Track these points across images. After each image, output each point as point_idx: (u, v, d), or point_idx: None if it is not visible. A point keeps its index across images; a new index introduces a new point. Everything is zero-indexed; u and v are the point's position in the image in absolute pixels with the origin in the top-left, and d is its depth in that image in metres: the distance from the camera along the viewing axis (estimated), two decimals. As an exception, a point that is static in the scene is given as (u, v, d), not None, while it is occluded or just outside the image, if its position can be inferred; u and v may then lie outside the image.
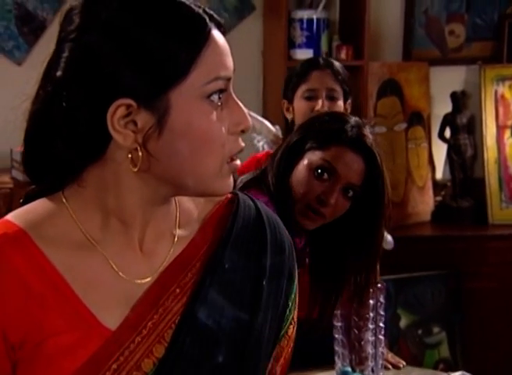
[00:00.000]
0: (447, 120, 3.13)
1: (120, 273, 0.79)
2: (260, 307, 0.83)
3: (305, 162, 1.42)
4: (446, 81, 3.18)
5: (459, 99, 3.12)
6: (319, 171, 1.40)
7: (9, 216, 0.79)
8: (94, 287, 0.78)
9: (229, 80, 0.76)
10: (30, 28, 2.75)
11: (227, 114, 0.77)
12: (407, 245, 2.79)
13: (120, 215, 0.79)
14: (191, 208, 0.85)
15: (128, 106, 0.73)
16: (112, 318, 0.77)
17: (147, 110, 0.73)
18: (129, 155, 0.75)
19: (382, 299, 1.58)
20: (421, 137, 3.11)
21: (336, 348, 1.60)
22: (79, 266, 0.77)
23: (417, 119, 3.10)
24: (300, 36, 2.84)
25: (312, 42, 2.84)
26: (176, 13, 0.73)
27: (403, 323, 2.89)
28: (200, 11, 0.75)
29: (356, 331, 1.58)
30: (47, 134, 0.76)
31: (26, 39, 2.76)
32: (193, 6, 0.75)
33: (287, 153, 1.44)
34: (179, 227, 0.83)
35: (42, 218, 0.78)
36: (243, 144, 0.79)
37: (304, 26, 2.84)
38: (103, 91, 0.73)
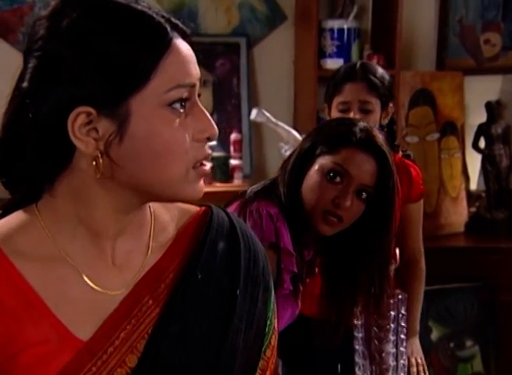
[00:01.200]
0: (482, 130, 3.08)
1: (92, 285, 0.79)
2: (233, 316, 0.83)
3: (316, 167, 1.41)
4: (480, 91, 3.13)
5: (494, 109, 3.08)
6: (331, 175, 1.39)
7: None
8: (66, 299, 0.78)
9: (193, 87, 0.77)
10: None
11: (192, 121, 0.77)
12: (439, 256, 2.75)
13: (91, 225, 0.79)
14: (166, 220, 0.86)
15: (88, 114, 0.74)
16: (84, 329, 0.78)
17: (107, 117, 0.74)
18: (94, 163, 0.75)
19: (403, 311, 1.57)
20: (455, 147, 3.07)
21: (357, 360, 1.59)
22: (51, 279, 0.78)
23: (451, 129, 3.06)
24: (330, 45, 2.83)
25: (343, 52, 2.84)
26: (135, 22, 0.74)
27: (434, 335, 2.85)
28: (162, 20, 0.76)
29: (376, 342, 1.57)
30: (17, 145, 0.77)
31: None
32: (154, 15, 0.75)
33: (298, 161, 1.43)
34: (153, 239, 0.84)
35: (15, 231, 0.79)
36: (209, 151, 0.79)
37: (335, 35, 2.84)
38: (64, 99, 0.74)
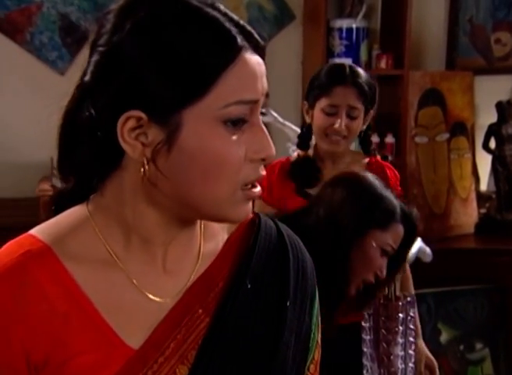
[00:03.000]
0: (492, 131, 3.05)
1: (143, 292, 0.77)
2: (284, 329, 0.81)
3: (373, 243, 1.48)
4: (491, 91, 3.10)
5: (505, 109, 3.04)
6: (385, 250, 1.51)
7: (34, 231, 0.78)
8: (116, 305, 0.76)
9: (256, 103, 0.73)
10: (73, 39, 2.81)
11: (249, 139, 0.73)
12: (448, 258, 2.73)
13: (140, 232, 0.77)
14: (216, 227, 0.84)
15: (138, 119, 0.71)
16: (134, 337, 0.76)
17: (157, 125, 0.71)
18: (141, 169, 0.73)
19: (411, 313, 1.54)
20: (465, 148, 3.04)
21: (365, 362, 1.57)
22: (102, 284, 0.76)
23: (461, 129, 3.03)
24: (339, 45, 2.82)
25: (351, 51, 2.82)
26: (204, 29, 0.71)
27: (443, 337, 2.83)
28: (234, 30, 0.71)
29: (385, 345, 1.54)
30: (74, 136, 0.76)
31: (69, 49, 2.82)
32: (226, 24, 0.71)
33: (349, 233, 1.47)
34: (203, 247, 0.82)
35: (66, 232, 0.77)
36: (262, 173, 0.75)
37: (344, 35, 2.82)
38: (117, 100, 0.72)
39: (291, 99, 2.98)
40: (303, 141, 1.99)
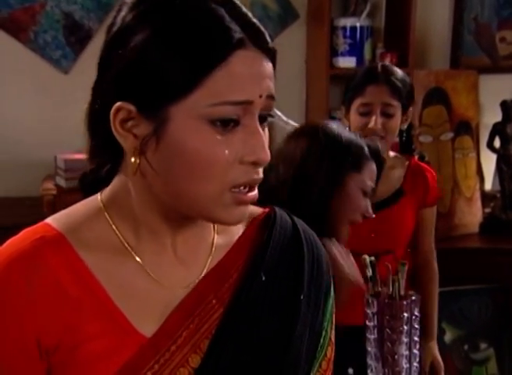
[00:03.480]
0: (497, 130, 3.04)
1: (157, 280, 0.78)
2: (297, 322, 0.81)
3: (353, 187, 1.50)
4: (496, 89, 3.09)
5: (509, 108, 3.03)
6: (365, 190, 1.52)
7: (49, 219, 0.79)
8: (129, 293, 0.77)
9: (249, 104, 0.71)
10: (77, 37, 2.81)
11: (241, 141, 0.72)
12: (453, 257, 2.71)
13: (147, 223, 0.78)
14: None
15: (129, 111, 0.72)
16: (147, 325, 0.76)
17: (145, 118, 0.72)
18: (132, 159, 0.74)
19: (416, 312, 1.53)
20: (469, 147, 3.03)
21: (369, 362, 1.56)
22: (115, 272, 0.77)
23: (465, 128, 3.02)
24: (342, 44, 2.81)
25: (355, 50, 2.81)
26: (199, 24, 0.70)
27: (447, 337, 2.81)
28: (233, 28, 0.70)
29: (389, 344, 1.53)
30: (94, 129, 0.78)
31: (73, 48, 2.82)
32: (223, 22, 0.70)
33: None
34: (217, 238, 0.82)
35: (80, 222, 0.78)
36: (255, 177, 0.73)
37: (347, 33, 2.81)
38: (110, 91, 0.73)
39: (295, 98, 2.97)
40: None
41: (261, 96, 0.71)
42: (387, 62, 2.83)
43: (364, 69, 1.98)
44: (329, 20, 2.76)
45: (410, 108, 1.91)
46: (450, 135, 2.99)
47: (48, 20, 2.80)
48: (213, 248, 0.82)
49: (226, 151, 0.71)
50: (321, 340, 0.85)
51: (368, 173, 1.52)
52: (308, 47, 2.97)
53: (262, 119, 0.74)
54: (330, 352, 0.87)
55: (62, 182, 2.51)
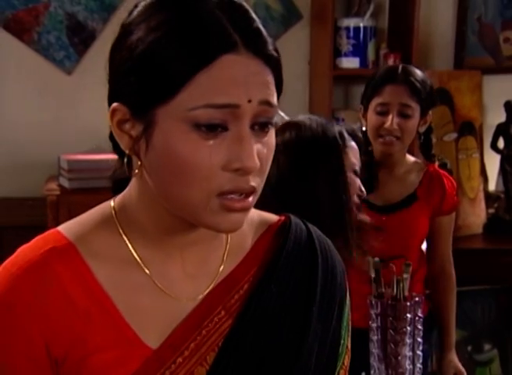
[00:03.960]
0: (500, 130, 3.03)
1: (165, 292, 0.77)
2: (308, 333, 0.79)
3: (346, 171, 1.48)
4: (499, 90, 3.08)
5: (513, 108, 3.02)
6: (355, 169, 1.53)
7: (61, 228, 0.79)
8: (137, 305, 0.76)
9: (235, 108, 0.69)
10: (80, 38, 2.81)
11: (227, 147, 0.70)
12: (456, 258, 2.69)
13: (154, 232, 0.77)
14: (244, 229, 0.81)
15: (124, 112, 0.73)
16: (153, 337, 0.76)
17: (137, 120, 0.72)
18: (125, 160, 0.75)
19: (419, 313, 1.53)
20: (473, 148, 3.02)
21: (373, 363, 1.56)
22: (123, 283, 0.77)
23: (469, 129, 3.01)
24: (346, 44, 2.81)
25: (359, 50, 2.81)
26: (189, 25, 0.69)
27: (451, 338, 2.81)
28: (227, 31, 0.68)
29: (392, 346, 1.53)
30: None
31: (76, 49, 2.82)
32: (216, 25, 0.69)
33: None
34: (228, 249, 0.81)
35: (91, 230, 0.78)
36: (244, 185, 0.71)
37: (351, 34, 2.81)
38: (111, 91, 0.74)
39: (298, 98, 2.97)
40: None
41: (250, 101, 0.69)
42: (390, 62, 2.84)
43: (384, 68, 1.97)
44: (333, 21, 2.76)
45: (430, 112, 1.89)
46: (454, 136, 2.98)
47: (51, 21, 2.80)
48: (224, 259, 0.81)
49: (210, 157, 0.69)
50: (340, 349, 0.84)
51: (353, 153, 1.51)
52: (312, 47, 2.96)
53: (262, 126, 0.72)
54: (347, 360, 0.87)
55: (65, 183, 2.51)
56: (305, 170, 1.46)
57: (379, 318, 1.52)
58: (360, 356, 1.71)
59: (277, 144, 1.49)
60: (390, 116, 1.82)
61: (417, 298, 1.53)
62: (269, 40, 0.72)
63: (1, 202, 2.78)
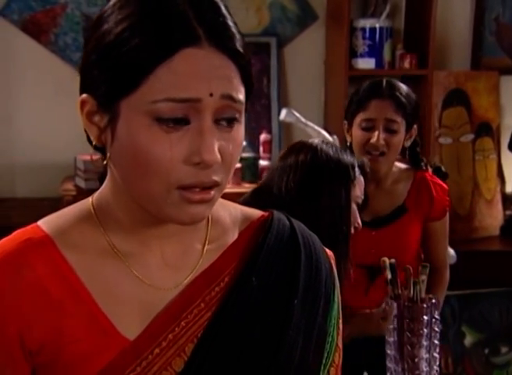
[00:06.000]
0: (518, 131, 3.01)
1: (143, 283, 0.77)
2: (289, 327, 0.79)
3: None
4: (517, 90, 3.07)
5: (531, 109, 3.00)
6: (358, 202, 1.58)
7: (40, 222, 0.80)
8: (114, 295, 0.76)
9: (196, 102, 0.69)
10: (97, 39, 2.82)
11: (189, 141, 0.70)
12: (473, 260, 2.69)
13: (130, 224, 0.77)
14: (227, 223, 0.83)
15: (92, 104, 0.73)
16: (131, 328, 0.76)
17: (102, 112, 0.72)
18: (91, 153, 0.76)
19: (436, 315, 1.52)
20: (490, 149, 3.00)
21: (389, 365, 1.55)
22: (101, 274, 0.76)
23: (486, 129, 2.99)
24: (362, 45, 2.79)
25: (375, 51, 2.80)
26: (153, 18, 0.69)
27: (468, 341, 2.79)
28: (189, 25, 0.68)
29: (409, 348, 1.52)
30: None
31: (93, 50, 2.83)
32: (177, 19, 0.69)
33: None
34: (209, 241, 0.81)
35: (70, 224, 0.78)
36: (205, 179, 0.71)
37: (367, 34, 2.79)
38: (82, 83, 0.74)
39: (314, 99, 2.97)
40: None
41: (211, 95, 0.69)
42: (406, 63, 2.82)
43: (368, 83, 1.91)
44: (349, 21, 2.75)
45: (415, 126, 1.86)
46: (471, 137, 2.96)
47: (68, 22, 2.82)
48: (204, 252, 0.80)
49: (171, 150, 0.69)
50: (327, 346, 0.83)
51: (360, 187, 1.54)
52: (327, 48, 2.96)
53: (228, 122, 0.72)
54: (338, 359, 0.85)
55: (81, 183, 2.52)
56: (312, 191, 1.47)
57: (396, 320, 1.52)
58: (360, 356, 1.70)
59: (290, 164, 1.53)
60: (376, 132, 1.79)
61: (433, 300, 1.52)
62: (238, 36, 0.72)
63: (18, 202, 2.81)
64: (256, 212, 0.86)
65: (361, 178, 1.55)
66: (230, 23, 0.71)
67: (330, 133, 2.43)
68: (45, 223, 0.79)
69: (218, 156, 0.70)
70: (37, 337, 0.74)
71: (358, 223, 1.55)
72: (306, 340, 0.80)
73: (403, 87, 1.86)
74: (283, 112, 2.49)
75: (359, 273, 1.89)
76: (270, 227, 0.83)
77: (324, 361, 0.83)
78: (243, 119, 0.74)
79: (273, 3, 2.93)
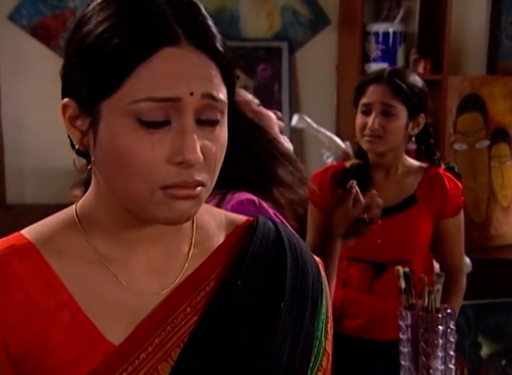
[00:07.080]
0: (535, 137, 2.96)
1: (128, 287, 0.77)
2: (276, 331, 0.78)
3: None
4: (534, 96, 3.00)
5: (548, 115, 2.94)
6: None
7: (24, 230, 0.80)
8: (99, 300, 0.76)
9: (177, 101, 0.69)
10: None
11: (171, 141, 0.70)
12: (489, 268, 2.64)
13: (115, 230, 0.77)
14: (212, 228, 0.83)
15: (74, 108, 0.73)
16: (117, 332, 0.75)
17: (84, 115, 0.72)
18: (73, 156, 0.76)
19: (452, 325, 1.47)
20: (506, 155, 2.95)
21: (403, 376, 1.50)
22: (85, 280, 0.76)
23: (502, 135, 2.94)
24: (375, 49, 2.76)
25: (388, 56, 2.76)
26: (131, 18, 0.69)
27: (484, 352, 2.73)
28: (168, 25, 0.69)
29: (424, 359, 1.47)
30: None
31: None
32: (156, 19, 0.69)
33: None
34: (194, 245, 0.81)
35: (53, 231, 0.78)
36: (188, 179, 0.71)
37: (380, 39, 2.76)
38: (63, 87, 0.74)
39: (326, 105, 2.93)
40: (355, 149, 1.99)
41: (192, 94, 0.69)
42: (421, 68, 2.78)
43: (373, 71, 1.99)
44: (361, 26, 2.72)
45: (422, 114, 1.85)
46: (486, 143, 2.91)
47: (78, 27, 2.81)
48: (189, 257, 0.80)
49: (153, 150, 0.69)
50: (315, 350, 0.83)
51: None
52: (339, 53, 2.92)
53: (211, 122, 0.72)
54: (326, 363, 0.84)
55: (90, 189, 2.50)
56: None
57: (410, 330, 1.47)
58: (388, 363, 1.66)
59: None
60: (372, 116, 1.81)
61: (449, 310, 1.48)
62: (218, 36, 0.72)
63: (27, 209, 2.79)
64: (241, 217, 0.87)
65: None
66: (210, 23, 0.72)
67: (342, 139, 2.39)
68: (28, 231, 0.79)
69: (201, 156, 0.70)
70: (21, 344, 0.73)
71: (279, 118, 1.39)
72: (293, 343, 0.80)
73: (411, 76, 1.87)
74: (295, 118, 2.46)
75: (365, 268, 1.86)
76: (255, 231, 0.83)
77: (311, 365, 0.82)
78: (225, 119, 0.74)
79: (285, 7, 2.90)
